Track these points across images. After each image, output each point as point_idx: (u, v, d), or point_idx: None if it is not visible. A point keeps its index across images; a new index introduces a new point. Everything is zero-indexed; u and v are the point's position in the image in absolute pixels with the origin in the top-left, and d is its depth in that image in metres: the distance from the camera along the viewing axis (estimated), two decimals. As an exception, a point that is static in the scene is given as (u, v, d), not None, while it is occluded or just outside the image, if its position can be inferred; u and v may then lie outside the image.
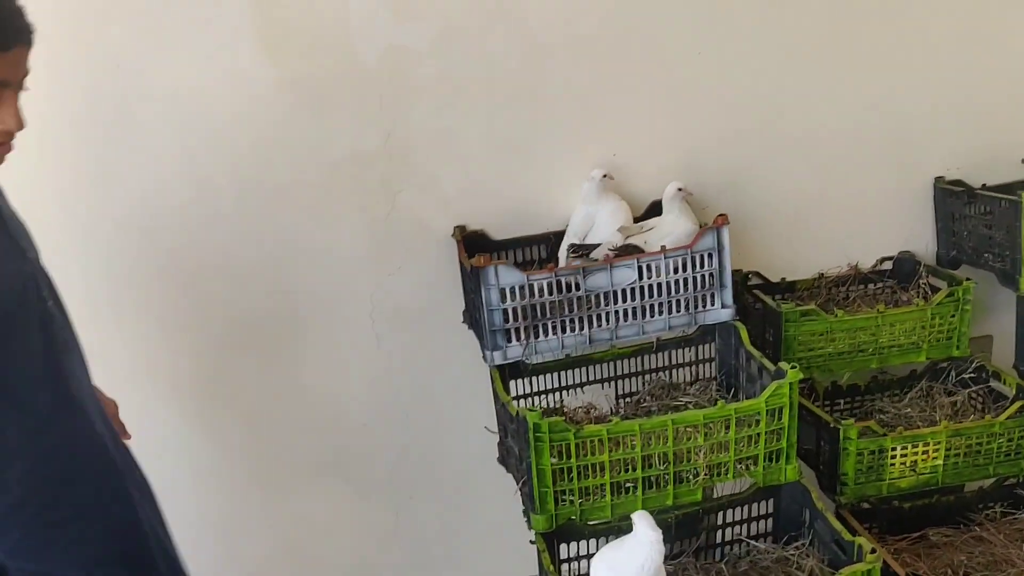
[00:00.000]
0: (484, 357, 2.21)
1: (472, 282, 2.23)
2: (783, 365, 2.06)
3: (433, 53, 2.34)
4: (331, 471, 2.58)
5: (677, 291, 2.23)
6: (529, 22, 2.36)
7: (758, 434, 2.05)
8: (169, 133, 2.27)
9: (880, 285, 2.68)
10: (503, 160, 2.45)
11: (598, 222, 2.38)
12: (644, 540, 1.80)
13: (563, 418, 1.97)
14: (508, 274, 2.16)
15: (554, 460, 1.98)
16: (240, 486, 2.56)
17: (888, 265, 2.69)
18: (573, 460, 1.99)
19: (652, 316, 2.24)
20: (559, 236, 2.48)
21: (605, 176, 2.38)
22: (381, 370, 2.52)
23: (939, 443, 2.24)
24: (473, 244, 2.43)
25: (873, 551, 1.89)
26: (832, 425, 2.24)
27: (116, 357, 2.38)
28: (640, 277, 2.21)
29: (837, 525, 2.02)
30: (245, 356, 2.45)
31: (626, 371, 2.39)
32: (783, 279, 2.65)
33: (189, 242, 2.34)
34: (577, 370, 2.36)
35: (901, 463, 2.25)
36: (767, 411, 2.04)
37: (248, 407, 2.50)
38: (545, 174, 2.47)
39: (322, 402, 2.52)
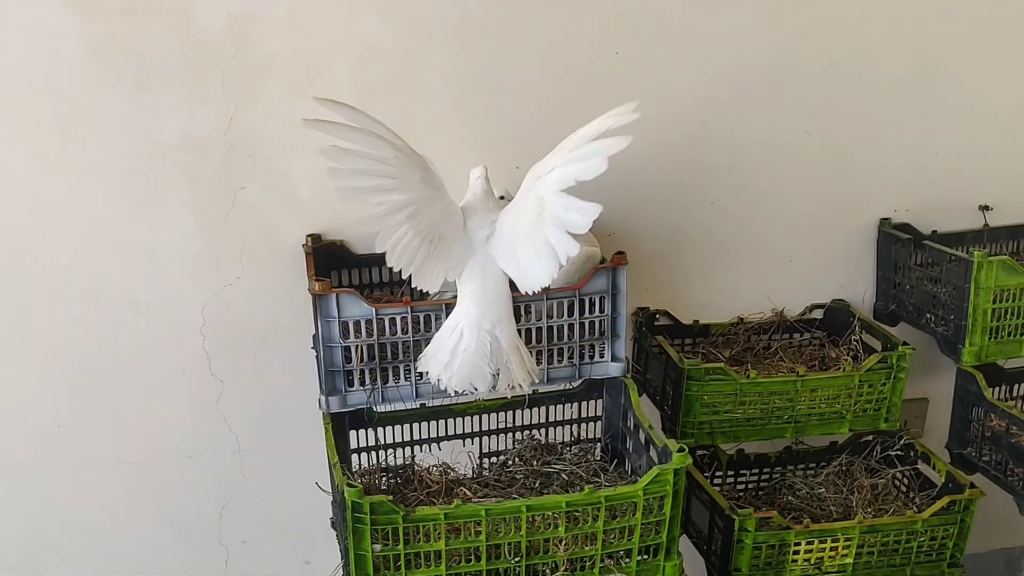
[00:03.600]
0: (319, 402, 1.82)
1: (313, 310, 1.84)
2: (671, 445, 1.70)
3: (290, 26, 1.92)
4: (148, 509, 2.19)
5: (560, 338, 1.86)
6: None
7: (633, 525, 1.69)
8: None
9: (807, 336, 2.33)
10: (372, 160, 2.04)
11: None
12: None
13: (388, 498, 1.58)
14: (353, 305, 1.77)
15: (378, 547, 1.61)
16: (37, 525, 2.15)
17: (819, 314, 2.34)
18: (401, 547, 1.61)
19: (528, 365, 1.87)
20: (436, 254, 2.09)
21: (502, 199, 1.97)
22: (211, 396, 2.12)
23: (851, 539, 1.91)
24: (330, 258, 2.05)
25: None
26: (726, 512, 1.89)
27: None
28: (516, 320, 1.83)
29: (717, 644, 1.68)
30: (40, 369, 2.04)
31: (494, 426, 2.02)
32: (696, 321, 2.29)
33: (-30, 232, 1.92)
34: (434, 423, 1.98)
35: (805, 560, 1.91)
36: (646, 499, 1.68)
37: (45, 430, 2.08)
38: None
39: (139, 429, 2.12)
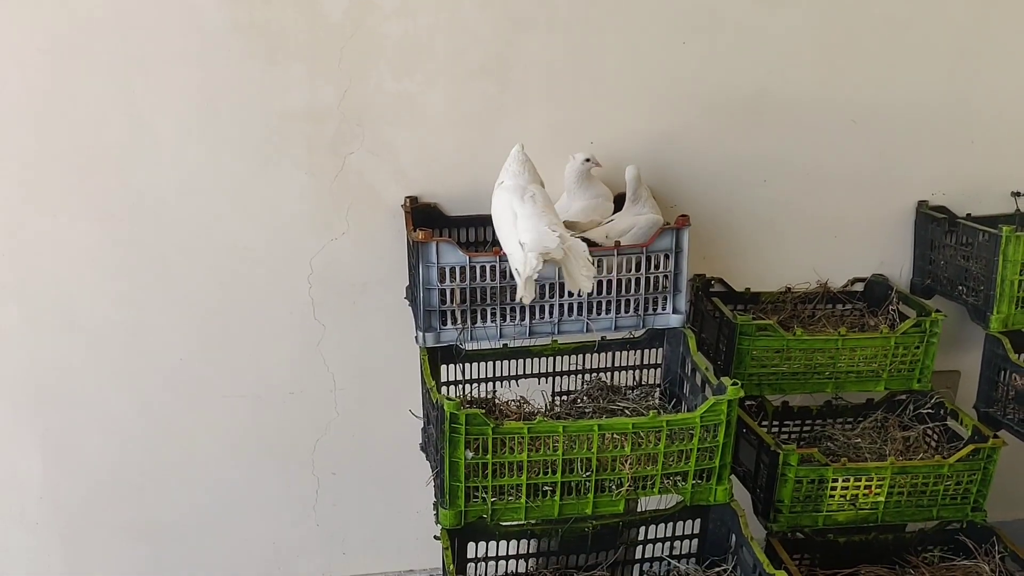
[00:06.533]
0: (416, 338, 2.09)
1: (413, 257, 2.12)
2: (725, 381, 1.95)
3: (402, 11, 2.21)
4: (252, 439, 2.48)
5: (628, 290, 2.12)
6: (507, -9, 2.25)
7: (690, 450, 1.94)
8: (109, 62, 2.15)
9: (849, 307, 2.56)
10: (465, 133, 2.33)
11: (571, 214, 2.25)
12: None
13: (482, 411, 1.85)
14: (450, 253, 2.04)
15: (470, 454, 1.87)
16: (155, 445, 2.45)
17: (859, 287, 2.58)
18: (489, 456, 1.88)
19: (599, 314, 2.12)
20: (516, 219, 2.36)
21: (587, 161, 2.23)
22: (313, 339, 2.41)
23: (883, 479, 2.13)
24: (425, 217, 2.32)
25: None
26: (772, 448, 2.13)
27: (35, 294, 2.29)
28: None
29: (761, 556, 1.91)
30: (172, 310, 2.34)
31: (565, 368, 2.28)
32: (747, 289, 2.53)
33: (120, 183, 2.23)
34: (514, 361, 2.24)
35: (841, 496, 2.14)
36: (702, 427, 1.92)
37: (171, 363, 2.38)
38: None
39: (248, 366, 2.41)
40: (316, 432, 2.50)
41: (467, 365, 2.22)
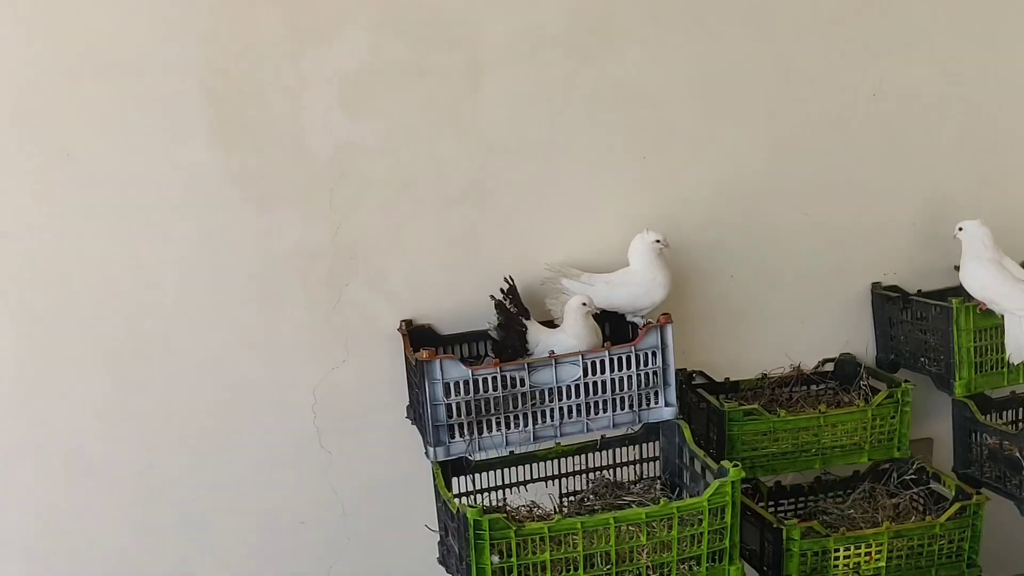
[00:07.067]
0: (426, 453, 2.18)
1: (417, 376, 2.22)
2: (725, 464, 2.06)
3: (383, 151, 2.38)
4: (265, 570, 2.49)
5: (621, 389, 2.24)
6: (479, 125, 2.43)
7: (701, 533, 2.04)
8: (114, 220, 2.27)
9: (822, 386, 2.71)
10: (450, 256, 2.47)
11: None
12: None
13: (504, 515, 1.93)
14: (453, 368, 2.15)
15: (495, 559, 1.94)
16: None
17: (830, 367, 2.73)
18: (514, 559, 1.95)
19: (596, 413, 2.23)
20: (506, 333, 2.48)
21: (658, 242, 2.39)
22: (321, 466, 2.47)
23: (881, 544, 2.24)
24: (420, 338, 2.42)
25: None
26: (775, 526, 2.23)
27: (49, 448, 2.33)
28: (585, 374, 2.21)
29: (779, 631, 1.99)
30: (181, 449, 2.39)
31: (570, 469, 2.37)
32: (727, 379, 2.67)
33: (128, 331, 2.31)
34: (521, 468, 2.33)
35: (844, 564, 2.24)
36: (710, 510, 2.03)
37: (181, 502, 2.42)
38: (491, 271, 2.48)
39: (258, 499, 2.46)
40: (328, 560, 2.53)
41: (476, 475, 2.30)
